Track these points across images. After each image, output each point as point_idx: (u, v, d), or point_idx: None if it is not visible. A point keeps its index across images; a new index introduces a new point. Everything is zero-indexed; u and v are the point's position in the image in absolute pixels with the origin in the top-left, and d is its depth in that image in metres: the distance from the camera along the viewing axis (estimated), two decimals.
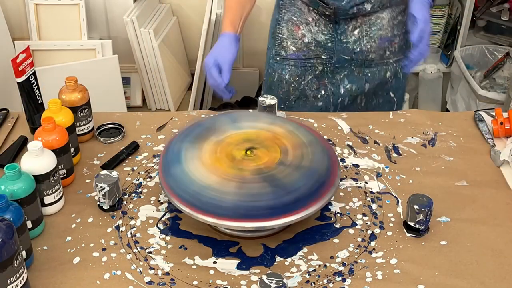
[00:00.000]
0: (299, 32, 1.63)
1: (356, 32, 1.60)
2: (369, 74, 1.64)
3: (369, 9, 1.56)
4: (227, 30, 1.53)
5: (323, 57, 1.63)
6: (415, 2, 1.47)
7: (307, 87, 1.65)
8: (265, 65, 1.75)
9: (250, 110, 1.54)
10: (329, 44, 1.62)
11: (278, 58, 1.68)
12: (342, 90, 1.64)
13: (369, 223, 1.21)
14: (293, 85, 1.66)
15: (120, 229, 1.19)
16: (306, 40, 1.63)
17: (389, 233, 1.18)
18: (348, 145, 1.43)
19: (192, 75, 2.79)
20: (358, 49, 1.61)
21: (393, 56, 1.66)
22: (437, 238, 1.17)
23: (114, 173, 1.23)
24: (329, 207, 1.25)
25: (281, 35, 1.67)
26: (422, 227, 1.16)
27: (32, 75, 1.40)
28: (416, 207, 1.15)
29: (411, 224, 1.16)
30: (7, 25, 2.66)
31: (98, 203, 1.23)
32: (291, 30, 1.65)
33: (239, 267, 1.11)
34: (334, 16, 1.57)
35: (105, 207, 1.22)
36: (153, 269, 1.10)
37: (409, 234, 1.17)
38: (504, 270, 1.10)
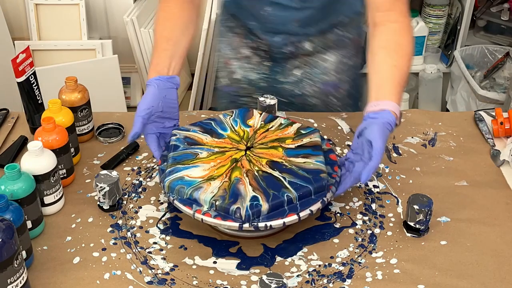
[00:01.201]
0: (230, 67, 1.49)
1: (296, 72, 1.45)
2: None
3: (310, 49, 1.42)
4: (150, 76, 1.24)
5: (254, 96, 1.49)
6: (374, 123, 1.12)
7: None
8: None
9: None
10: (263, 84, 1.48)
11: (216, 86, 1.52)
12: None
13: (369, 223, 1.21)
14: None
15: (120, 229, 1.19)
16: (237, 76, 1.50)
17: (389, 233, 1.18)
18: (348, 145, 1.42)
19: (192, 75, 2.79)
20: (299, 92, 1.46)
21: (341, 104, 1.50)
22: (437, 238, 1.17)
23: (114, 173, 1.23)
24: (329, 207, 1.24)
25: (215, 64, 1.50)
26: (422, 227, 1.16)
27: (32, 75, 1.40)
28: (416, 207, 1.15)
29: (411, 224, 1.16)
30: (7, 25, 2.66)
31: (98, 203, 1.23)
32: (222, 62, 1.50)
33: (239, 267, 1.11)
34: (270, 53, 1.42)
35: (105, 207, 1.22)
36: (153, 269, 1.10)
37: (409, 234, 1.17)
38: (504, 270, 1.10)
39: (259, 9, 1.41)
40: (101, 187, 1.20)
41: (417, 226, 1.16)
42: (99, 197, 1.21)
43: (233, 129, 1.26)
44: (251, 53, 1.48)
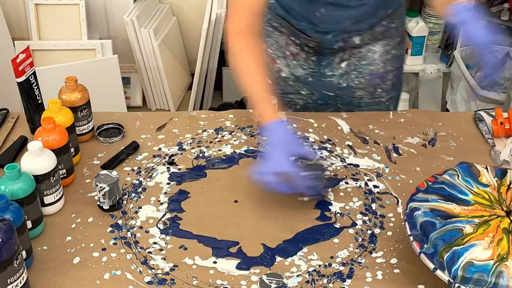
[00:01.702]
0: (275, 66, 1.50)
1: (343, 65, 1.47)
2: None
3: (358, 42, 1.44)
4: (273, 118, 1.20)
5: (302, 92, 1.51)
6: (471, 24, 1.23)
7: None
8: None
9: (250, 110, 1.53)
10: (310, 79, 1.49)
11: None
12: None
13: (369, 223, 1.21)
14: None
15: (120, 229, 1.19)
16: (283, 74, 1.50)
17: (389, 233, 1.18)
18: (348, 145, 1.42)
19: (192, 75, 2.79)
20: (345, 85, 1.49)
21: (385, 95, 1.53)
22: None
23: (114, 173, 1.23)
24: (329, 207, 1.24)
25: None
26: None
27: (32, 75, 1.40)
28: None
29: None
30: (7, 25, 2.66)
31: (98, 203, 1.23)
32: (267, 62, 1.48)
33: (239, 267, 1.11)
34: (318, 48, 1.44)
35: (105, 207, 1.22)
36: (153, 269, 1.10)
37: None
38: None
39: (314, 11, 1.41)
40: (101, 187, 1.20)
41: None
42: (99, 197, 1.21)
43: (473, 192, 1.11)
44: (298, 50, 1.48)
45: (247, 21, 1.28)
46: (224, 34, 1.37)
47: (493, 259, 0.97)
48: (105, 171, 1.23)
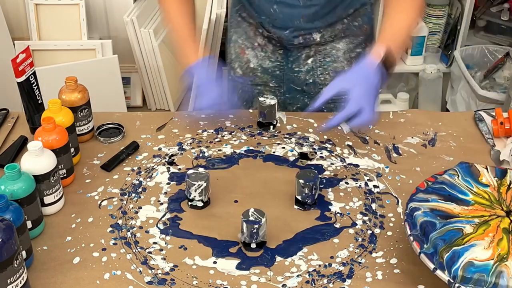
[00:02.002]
0: (244, 56, 1.52)
1: (309, 61, 1.49)
2: (325, 110, 1.50)
3: (318, 39, 1.45)
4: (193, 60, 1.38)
5: (270, 85, 1.53)
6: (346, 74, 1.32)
7: None
8: None
9: (250, 110, 1.54)
10: (277, 72, 1.51)
11: (229, 77, 1.57)
12: None
13: (369, 223, 1.21)
14: (243, 108, 1.56)
15: (120, 229, 1.19)
16: (251, 65, 1.52)
17: (389, 233, 1.18)
18: (348, 145, 1.42)
19: None
20: (311, 81, 1.50)
21: None
22: None
23: (201, 169, 1.24)
24: (329, 207, 1.24)
25: (229, 55, 1.54)
26: (308, 201, 1.22)
27: (32, 75, 1.40)
28: (301, 181, 1.20)
29: (299, 198, 1.23)
30: (7, 25, 2.66)
31: (190, 203, 1.23)
32: (237, 52, 1.54)
33: (239, 267, 1.11)
34: (280, 44, 1.46)
35: (200, 204, 1.23)
36: (153, 269, 1.10)
37: (296, 207, 1.24)
38: None
39: (269, 7, 1.44)
40: (199, 184, 1.20)
41: (303, 199, 1.22)
42: (194, 196, 1.22)
43: (473, 192, 1.11)
44: (266, 42, 1.49)
45: None
46: None
47: (493, 259, 0.97)
48: (191, 170, 1.23)
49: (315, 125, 1.48)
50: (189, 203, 1.24)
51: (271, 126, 1.46)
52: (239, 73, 1.55)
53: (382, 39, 1.34)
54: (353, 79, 1.29)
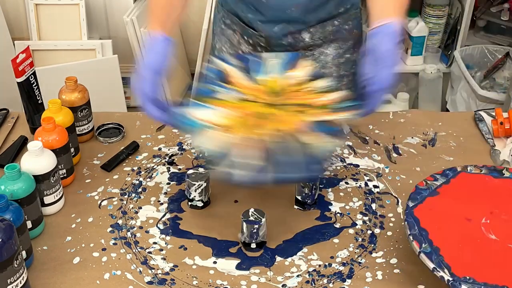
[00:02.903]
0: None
1: None
2: None
3: (307, 40, 1.41)
4: (155, 29, 1.23)
5: None
6: (379, 33, 1.13)
7: None
8: None
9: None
10: None
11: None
12: None
13: (369, 223, 1.21)
14: None
15: (120, 229, 1.19)
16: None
17: (389, 233, 1.18)
18: (348, 145, 1.43)
19: (192, 75, 2.80)
20: None
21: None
22: None
23: (201, 169, 1.24)
24: (329, 207, 1.25)
25: (213, 64, 1.52)
26: (308, 201, 1.23)
27: (32, 75, 1.40)
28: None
29: (299, 198, 1.23)
30: (7, 25, 2.66)
31: (190, 203, 1.23)
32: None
33: (239, 267, 1.11)
34: (268, 46, 1.41)
35: (200, 204, 1.23)
36: (153, 269, 1.10)
37: (296, 207, 1.24)
38: None
39: None
40: (199, 184, 1.20)
41: (303, 199, 1.23)
42: (194, 196, 1.22)
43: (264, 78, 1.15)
44: (250, 50, 1.46)
45: None
46: None
47: (218, 125, 1.05)
48: (191, 170, 1.23)
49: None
50: (189, 203, 1.24)
51: None
52: None
53: (389, 12, 1.17)
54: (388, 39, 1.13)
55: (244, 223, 1.12)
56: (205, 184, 1.21)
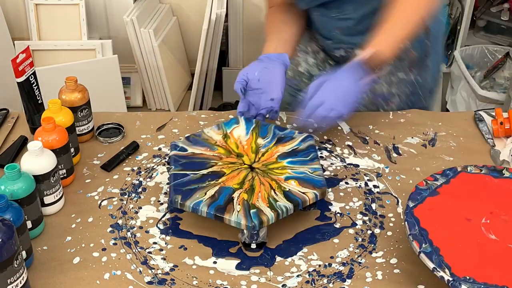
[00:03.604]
0: (296, 59, 1.52)
1: None
2: None
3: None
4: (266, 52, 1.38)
5: None
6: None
7: None
8: None
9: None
10: None
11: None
12: None
13: (369, 223, 1.21)
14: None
15: (120, 229, 1.19)
16: (300, 69, 1.52)
17: (389, 233, 1.18)
18: (348, 145, 1.43)
19: (192, 75, 2.79)
20: None
21: None
22: None
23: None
24: (329, 207, 1.25)
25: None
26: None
27: (32, 75, 1.40)
28: None
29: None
30: (7, 25, 2.66)
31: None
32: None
33: (239, 267, 1.11)
34: (325, 54, 1.46)
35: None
36: (153, 269, 1.10)
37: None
38: None
39: (312, 12, 1.46)
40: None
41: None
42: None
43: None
44: (319, 49, 1.50)
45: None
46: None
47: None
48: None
49: (315, 125, 1.48)
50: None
51: None
52: (289, 75, 1.53)
53: (372, 42, 1.30)
54: (328, 76, 1.29)
55: None
56: None
